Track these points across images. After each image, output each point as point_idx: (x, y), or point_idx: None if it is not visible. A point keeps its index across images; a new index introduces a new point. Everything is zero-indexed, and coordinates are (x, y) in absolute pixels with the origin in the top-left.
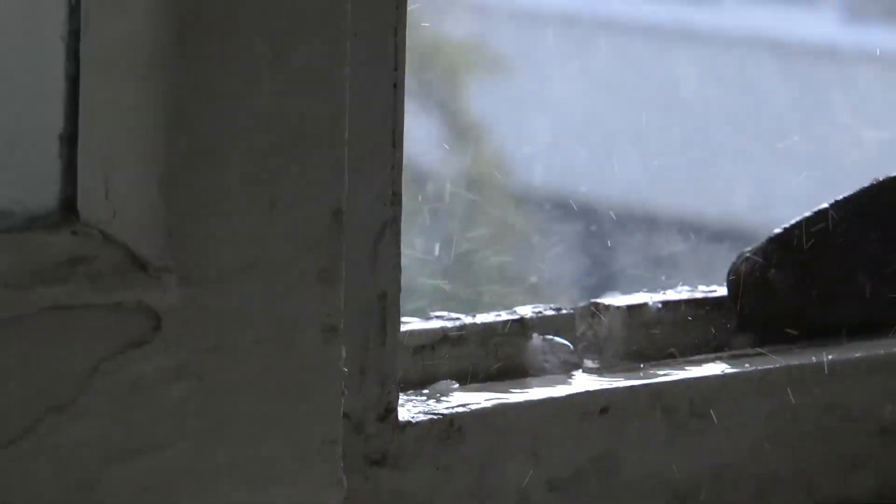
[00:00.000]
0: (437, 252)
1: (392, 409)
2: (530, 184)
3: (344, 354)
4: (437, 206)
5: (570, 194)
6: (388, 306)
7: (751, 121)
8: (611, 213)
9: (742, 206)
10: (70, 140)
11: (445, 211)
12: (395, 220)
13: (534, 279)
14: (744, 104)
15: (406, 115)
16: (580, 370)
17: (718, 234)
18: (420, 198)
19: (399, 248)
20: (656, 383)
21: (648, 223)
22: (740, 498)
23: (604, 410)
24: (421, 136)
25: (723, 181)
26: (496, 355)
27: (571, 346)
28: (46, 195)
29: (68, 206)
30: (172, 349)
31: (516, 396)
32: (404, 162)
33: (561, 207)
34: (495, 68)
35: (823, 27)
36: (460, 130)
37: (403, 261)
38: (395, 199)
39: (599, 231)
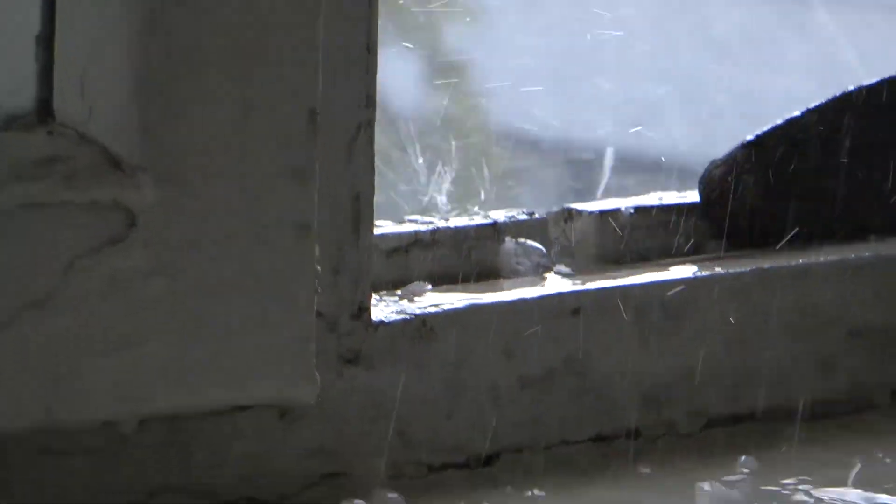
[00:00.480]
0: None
1: (365, 309)
2: (509, 124)
3: (317, 253)
4: (412, 145)
5: (549, 134)
6: (361, 207)
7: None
8: (587, 154)
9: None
10: (47, 41)
11: (422, 150)
12: (370, 123)
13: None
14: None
15: (383, 55)
16: (552, 273)
17: None
18: (396, 137)
19: (373, 150)
20: (628, 285)
21: (633, 164)
22: (712, 398)
23: (575, 312)
24: (398, 75)
25: (711, 114)
26: (469, 258)
27: (544, 250)
28: (23, 96)
29: (45, 107)
30: (148, 247)
31: (489, 297)
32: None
33: (539, 147)
34: (476, 9)
35: None
36: (439, 70)
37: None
38: (370, 101)
39: (577, 171)
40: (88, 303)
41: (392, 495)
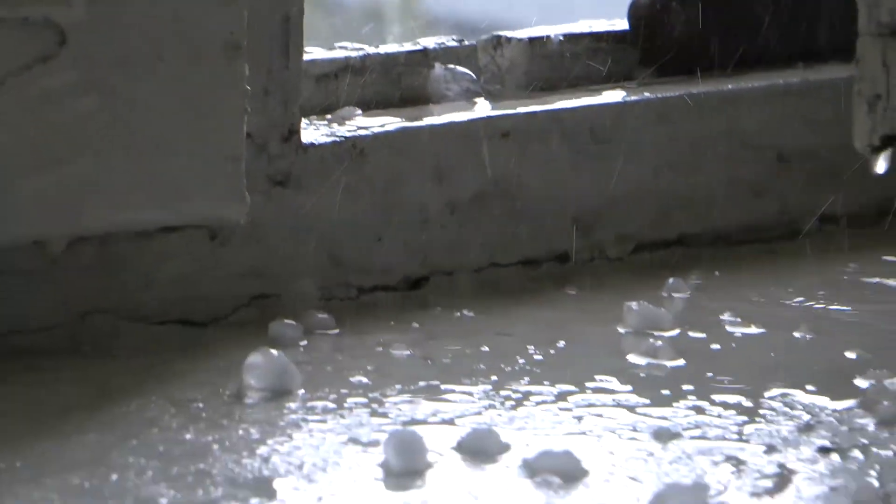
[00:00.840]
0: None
1: (295, 131)
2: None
3: (247, 73)
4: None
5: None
6: (291, 29)
7: None
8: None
9: None
10: None
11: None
12: None
13: None
14: None
15: None
16: (482, 98)
17: None
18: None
19: None
20: (557, 109)
21: None
22: (640, 221)
23: (505, 135)
24: None
25: None
26: (399, 84)
27: (473, 76)
28: None
29: None
30: (78, 64)
31: (419, 121)
32: None
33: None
34: None
35: None
36: None
37: None
38: None
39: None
40: (20, 120)
41: (322, 316)
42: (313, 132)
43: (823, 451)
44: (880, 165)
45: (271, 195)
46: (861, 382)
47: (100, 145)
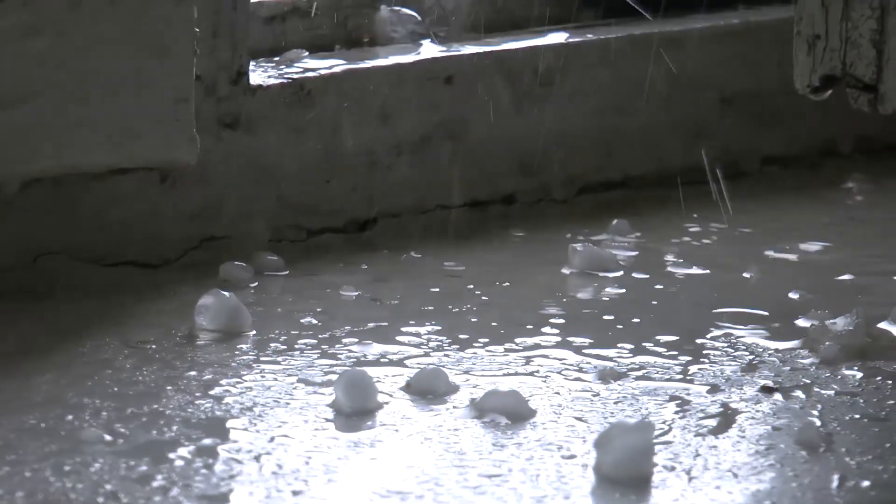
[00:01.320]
0: None
1: (243, 73)
2: None
3: (196, 16)
4: None
5: None
6: None
7: None
8: None
9: None
10: None
11: None
12: None
13: None
14: None
15: None
16: (428, 40)
17: None
18: None
19: None
20: (501, 51)
21: None
22: (584, 162)
23: (449, 78)
24: None
25: None
26: (345, 26)
27: (419, 18)
28: None
29: None
30: (29, 6)
31: (365, 63)
32: None
33: None
34: None
35: None
36: None
37: None
38: None
39: None
40: None
41: (272, 257)
42: (261, 74)
43: (766, 389)
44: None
45: (221, 137)
46: (803, 323)
47: (51, 88)
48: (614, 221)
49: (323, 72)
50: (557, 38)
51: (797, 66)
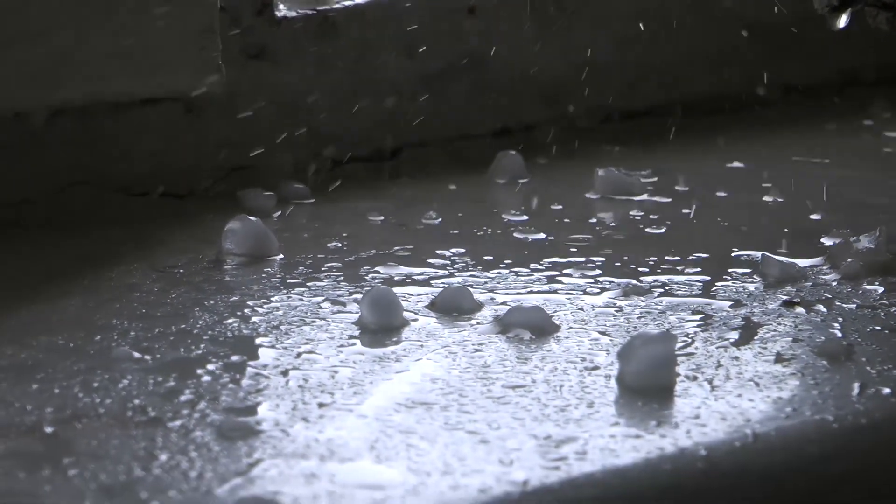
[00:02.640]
0: None
1: (268, 4)
2: None
3: None
4: None
5: None
6: None
7: None
8: None
9: None
10: None
11: None
12: None
13: None
14: None
15: None
16: None
17: None
18: None
19: None
20: None
21: None
22: (609, 92)
23: (472, 9)
24: None
25: None
26: None
27: None
28: None
29: None
30: None
31: None
32: None
33: None
34: None
35: None
36: None
37: None
38: None
39: None
40: None
41: (298, 186)
42: (286, 5)
43: (788, 304)
44: (840, 22)
45: (246, 68)
46: (826, 241)
47: (78, 19)
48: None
49: (347, 3)
50: None
51: None
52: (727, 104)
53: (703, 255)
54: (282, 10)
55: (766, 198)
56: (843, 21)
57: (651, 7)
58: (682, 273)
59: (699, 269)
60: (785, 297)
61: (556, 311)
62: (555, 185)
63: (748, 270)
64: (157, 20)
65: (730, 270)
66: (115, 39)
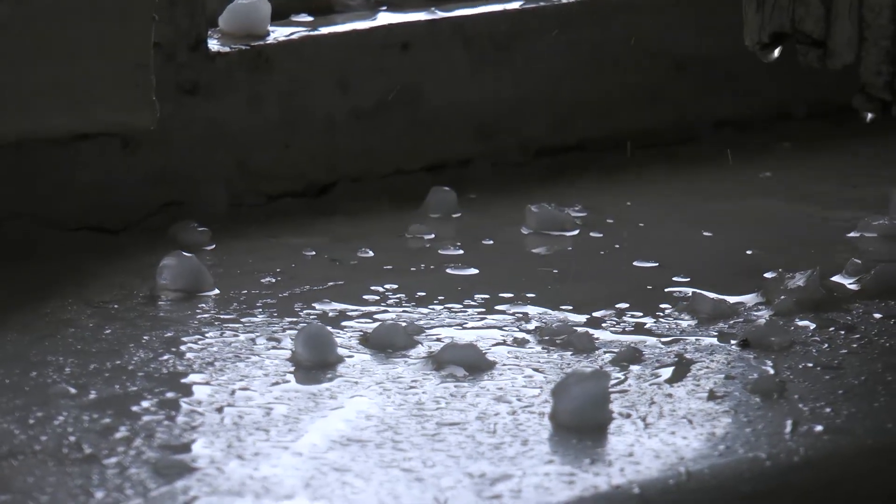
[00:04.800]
0: None
1: (202, 40)
2: None
3: None
4: None
5: None
6: None
7: None
8: None
9: None
10: None
11: None
12: None
13: None
14: None
15: None
16: (384, 7)
17: None
18: None
19: None
20: (457, 17)
21: None
22: (541, 126)
23: (406, 45)
24: None
25: None
26: None
27: None
28: None
29: None
30: None
31: (323, 30)
32: None
33: None
34: None
35: None
36: None
37: None
38: None
39: None
40: None
41: (231, 222)
42: (220, 41)
43: (743, 344)
44: (771, 56)
45: (181, 103)
46: (759, 278)
47: (12, 54)
48: (570, 184)
49: (280, 39)
50: (513, 3)
51: (747, 24)
52: (659, 139)
53: (635, 291)
54: (215, 46)
55: (696, 233)
56: (773, 57)
57: (582, 41)
58: (614, 309)
59: (630, 305)
60: (741, 339)
61: (490, 348)
62: (488, 220)
63: (679, 306)
64: (91, 56)
65: (663, 307)
66: (50, 75)
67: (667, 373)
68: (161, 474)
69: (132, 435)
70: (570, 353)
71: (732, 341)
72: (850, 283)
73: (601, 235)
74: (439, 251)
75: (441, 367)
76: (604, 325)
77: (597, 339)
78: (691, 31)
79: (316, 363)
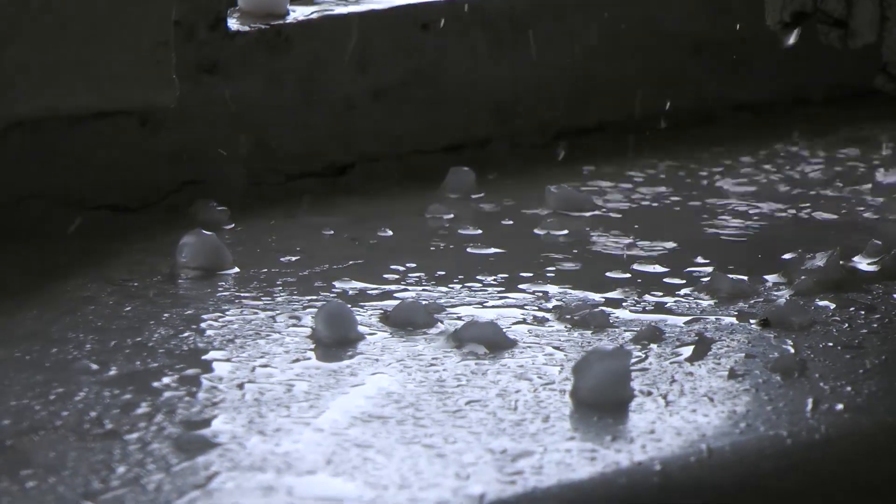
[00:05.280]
0: None
1: (222, 19)
2: None
3: None
4: None
5: None
6: None
7: None
8: None
9: None
10: None
11: None
12: None
13: None
14: None
15: None
16: None
17: None
18: None
19: None
20: None
21: None
22: (559, 108)
23: (426, 25)
24: None
25: None
26: None
27: None
28: None
29: None
30: None
31: (341, 9)
32: None
33: None
34: None
35: None
36: None
37: None
38: None
39: None
40: None
41: (251, 200)
42: (239, 19)
43: (763, 323)
44: (791, 39)
45: (200, 82)
46: (779, 259)
47: (32, 32)
48: (588, 168)
49: (300, 17)
50: None
51: (768, 3)
52: (677, 121)
53: (659, 269)
54: (235, 25)
55: (719, 214)
56: (793, 39)
57: (602, 23)
58: (635, 288)
59: (653, 285)
60: (761, 318)
61: (510, 326)
62: (507, 201)
63: (700, 286)
64: (111, 34)
65: (683, 285)
66: (70, 53)
67: (687, 351)
68: (182, 450)
69: (153, 411)
70: (591, 331)
71: (752, 321)
72: (870, 264)
73: (620, 216)
74: (459, 231)
75: (462, 345)
76: (624, 304)
77: (616, 317)
78: (709, 14)
79: (336, 340)
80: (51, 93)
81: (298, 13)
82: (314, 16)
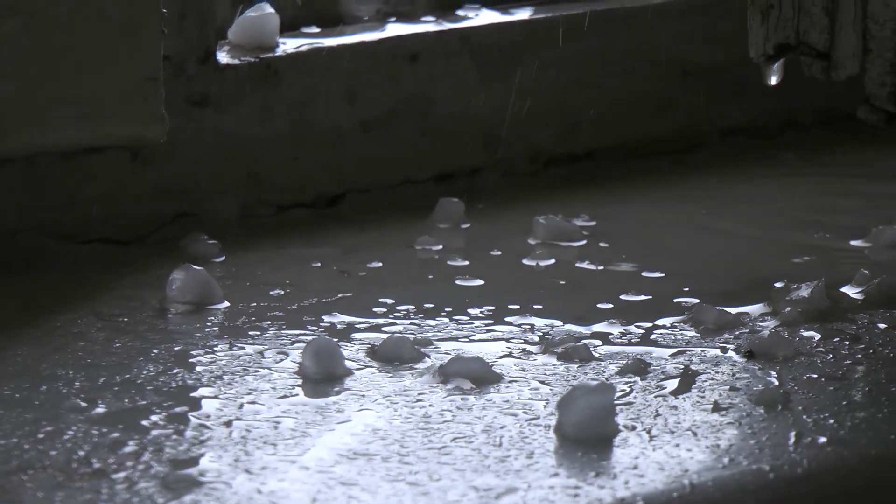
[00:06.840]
0: None
1: (212, 53)
2: None
3: None
4: None
5: None
6: None
7: None
8: None
9: None
10: None
11: None
12: None
13: None
14: None
15: None
16: (393, 18)
17: None
18: None
19: None
20: (466, 28)
21: None
22: (549, 136)
23: (415, 56)
24: None
25: None
26: (312, 5)
27: None
28: None
29: None
30: None
31: (331, 41)
32: None
33: None
34: None
35: None
36: None
37: None
38: None
39: None
40: None
41: (241, 233)
42: (229, 53)
43: (748, 355)
44: (774, 74)
45: (190, 116)
46: (765, 289)
47: (23, 68)
48: (577, 194)
49: (289, 51)
50: (521, 14)
51: (751, 35)
52: (666, 147)
53: (642, 302)
54: (225, 58)
55: (703, 243)
56: (775, 74)
57: (590, 50)
58: (620, 319)
59: (637, 317)
60: (745, 350)
61: (496, 361)
62: (496, 231)
63: (685, 317)
64: (101, 70)
65: (669, 317)
66: (60, 89)
67: (672, 384)
68: (169, 488)
69: (141, 449)
70: (577, 365)
71: (732, 351)
72: (855, 294)
73: (608, 245)
74: (447, 262)
75: (448, 380)
76: (610, 336)
77: (602, 350)
78: (698, 40)
79: (323, 376)
80: (40, 129)
81: (288, 45)
82: (304, 48)
